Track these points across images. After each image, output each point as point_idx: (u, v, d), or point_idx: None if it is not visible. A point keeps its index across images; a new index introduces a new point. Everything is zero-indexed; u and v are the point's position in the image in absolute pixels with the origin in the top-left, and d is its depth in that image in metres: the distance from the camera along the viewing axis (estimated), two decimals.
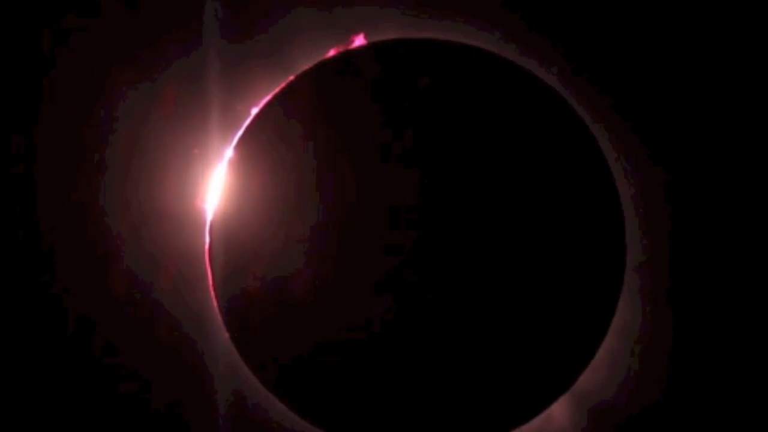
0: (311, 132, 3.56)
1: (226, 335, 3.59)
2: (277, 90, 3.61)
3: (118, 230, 3.68)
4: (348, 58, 3.62)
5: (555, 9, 3.70)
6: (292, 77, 3.62)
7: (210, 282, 3.58)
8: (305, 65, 3.63)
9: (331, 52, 3.66)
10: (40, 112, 3.73)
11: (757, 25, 3.73)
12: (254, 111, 3.62)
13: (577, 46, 3.70)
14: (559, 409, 3.61)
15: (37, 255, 3.71)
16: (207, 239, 3.58)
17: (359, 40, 3.68)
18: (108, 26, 3.73)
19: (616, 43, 3.71)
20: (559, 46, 3.69)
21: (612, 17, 3.72)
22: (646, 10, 3.72)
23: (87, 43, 3.73)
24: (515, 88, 3.56)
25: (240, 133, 3.60)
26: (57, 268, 3.70)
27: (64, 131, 3.73)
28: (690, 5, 3.72)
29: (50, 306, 3.70)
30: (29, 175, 3.72)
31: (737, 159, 3.71)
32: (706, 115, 3.72)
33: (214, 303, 3.59)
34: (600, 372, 3.63)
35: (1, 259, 3.69)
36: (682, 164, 3.72)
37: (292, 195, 3.54)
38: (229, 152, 3.60)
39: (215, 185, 3.61)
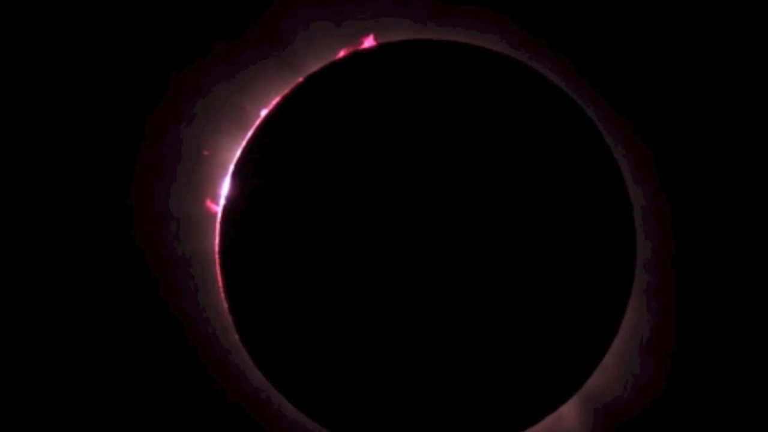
0: (321, 133, 3.56)
1: (237, 337, 3.58)
2: (286, 91, 3.61)
3: (126, 233, 3.68)
4: (358, 59, 3.61)
5: (568, 13, 3.72)
6: (301, 78, 3.61)
7: (220, 284, 3.58)
8: (314, 66, 3.62)
9: (341, 53, 3.66)
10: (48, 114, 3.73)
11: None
12: (263, 113, 3.61)
13: (584, 50, 3.73)
14: (568, 409, 3.63)
15: (41, 258, 3.70)
16: (217, 241, 3.58)
17: (369, 41, 3.68)
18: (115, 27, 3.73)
19: (624, 45, 3.73)
20: (567, 49, 3.72)
21: (619, 20, 3.74)
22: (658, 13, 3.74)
23: (94, 43, 3.73)
24: (527, 89, 3.57)
25: (249, 134, 3.60)
26: (60, 272, 3.70)
27: (67, 132, 3.73)
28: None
29: (55, 308, 3.70)
30: (33, 179, 3.71)
31: (746, 160, 3.73)
32: (712, 114, 3.74)
33: (225, 305, 3.58)
34: (608, 371, 3.64)
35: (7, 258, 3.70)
36: (688, 164, 3.74)
37: (302, 196, 3.54)
38: (238, 154, 3.59)
39: (225, 187, 3.60)
